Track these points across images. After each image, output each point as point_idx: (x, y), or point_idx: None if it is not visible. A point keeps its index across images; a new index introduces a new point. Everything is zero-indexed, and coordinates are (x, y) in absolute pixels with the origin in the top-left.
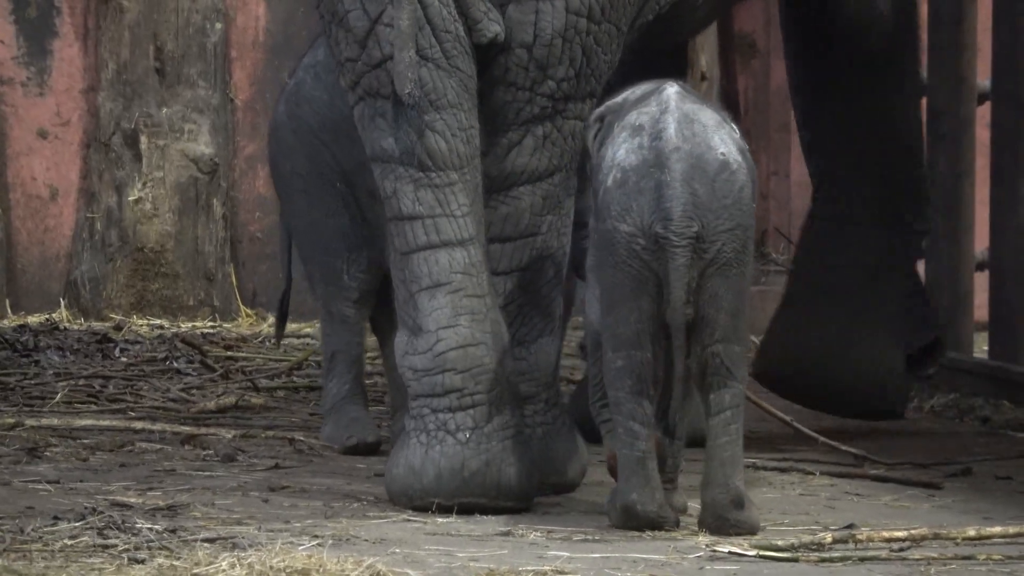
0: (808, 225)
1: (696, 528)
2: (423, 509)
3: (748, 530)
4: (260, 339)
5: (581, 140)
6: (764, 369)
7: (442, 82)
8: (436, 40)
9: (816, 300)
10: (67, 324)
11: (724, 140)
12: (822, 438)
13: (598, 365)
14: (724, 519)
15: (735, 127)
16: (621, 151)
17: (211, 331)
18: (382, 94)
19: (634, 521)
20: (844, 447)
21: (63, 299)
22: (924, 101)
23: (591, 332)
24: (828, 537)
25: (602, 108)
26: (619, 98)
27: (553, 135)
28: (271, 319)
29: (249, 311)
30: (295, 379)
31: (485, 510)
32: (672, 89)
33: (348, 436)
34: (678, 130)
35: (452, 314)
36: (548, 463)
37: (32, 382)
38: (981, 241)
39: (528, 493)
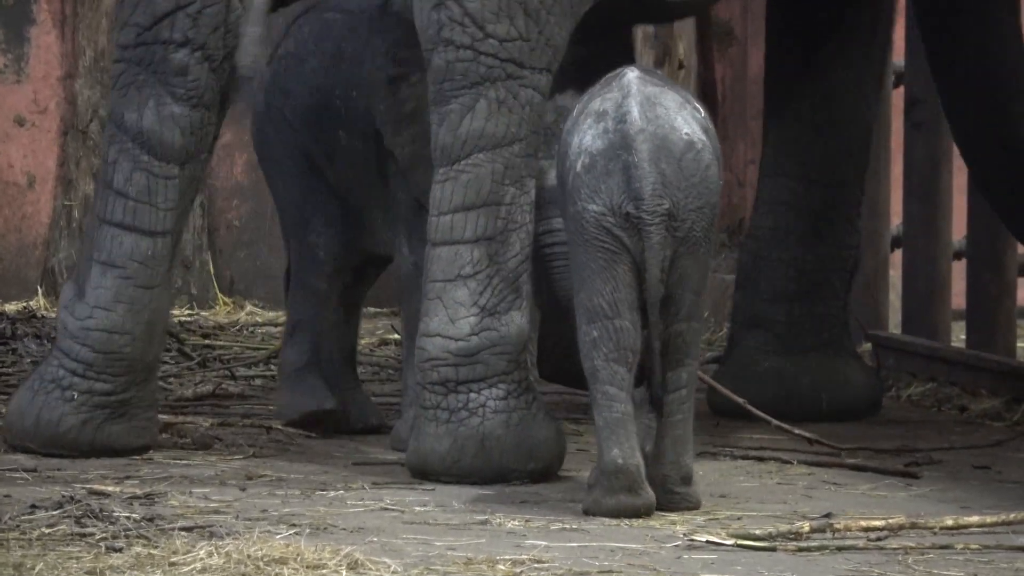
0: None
1: (676, 517)
2: (23, 451)
3: (692, 505)
4: (237, 327)
5: (538, 114)
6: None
7: (207, 83)
8: (224, 44)
9: (758, 325)
10: (45, 312)
11: (687, 120)
12: (775, 421)
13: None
14: (673, 493)
15: (699, 107)
16: (587, 137)
17: (188, 319)
18: (150, 70)
19: (616, 480)
20: (796, 430)
21: (40, 287)
22: (901, 89)
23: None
24: (806, 526)
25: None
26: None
27: (508, 101)
28: (248, 307)
29: (227, 299)
30: (273, 367)
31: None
32: (633, 74)
33: (304, 404)
34: (641, 113)
35: (113, 298)
36: (523, 451)
37: (10, 370)
38: (959, 230)
39: (130, 448)
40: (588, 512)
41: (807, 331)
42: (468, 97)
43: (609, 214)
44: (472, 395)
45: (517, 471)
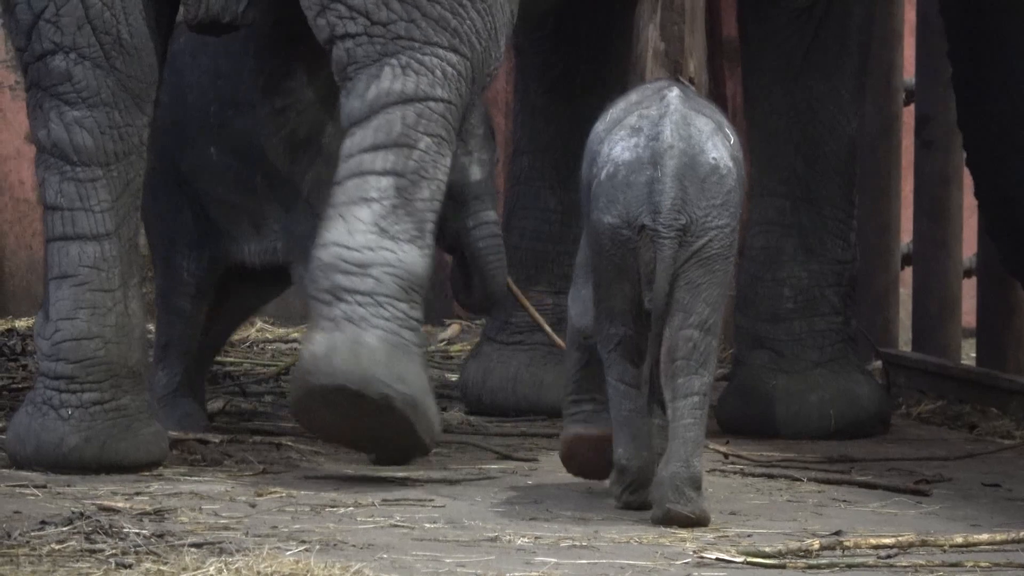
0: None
1: (686, 534)
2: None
3: (699, 515)
4: (247, 344)
5: (456, 89)
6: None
7: (97, 81)
8: (96, 40)
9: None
10: None
11: (717, 146)
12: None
13: (573, 361)
14: (681, 493)
15: (731, 134)
16: (617, 148)
17: None
18: (41, 86)
19: (622, 477)
20: (711, 444)
21: None
22: (912, 107)
23: (571, 329)
24: (815, 544)
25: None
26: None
27: (413, 64)
28: (259, 324)
29: None
30: (282, 384)
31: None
32: (674, 93)
33: (179, 429)
34: (674, 131)
35: (72, 307)
36: (395, 371)
37: (20, 386)
38: (969, 247)
39: (141, 464)
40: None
41: (810, 348)
42: (374, 68)
43: (624, 227)
44: (357, 307)
45: (384, 384)
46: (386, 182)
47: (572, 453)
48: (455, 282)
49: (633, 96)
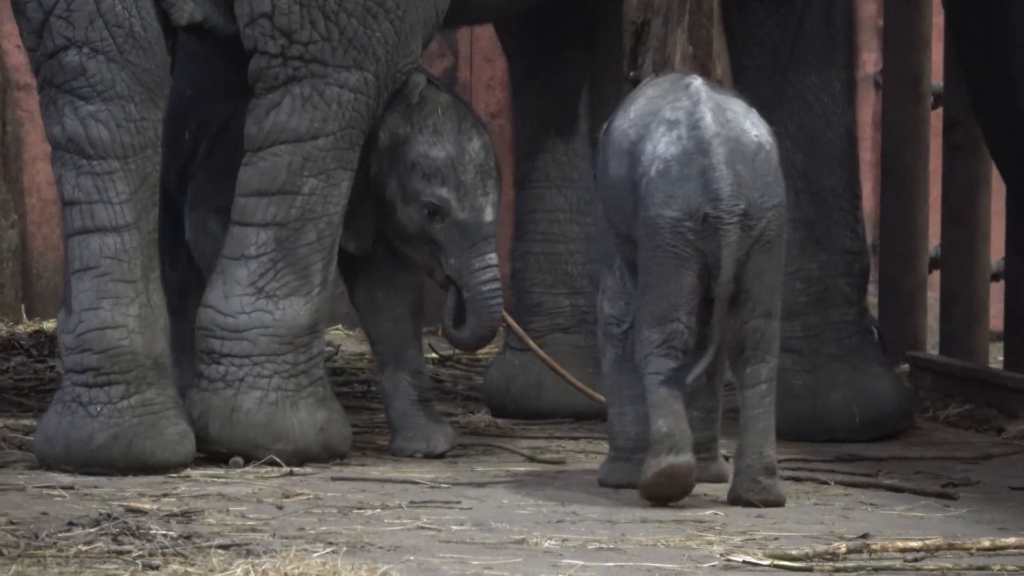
0: None
1: (713, 537)
2: (61, 468)
3: (776, 500)
4: None
5: (352, 111)
6: None
7: (112, 74)
8: (108, 34)
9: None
10: None
11: (755, 123)
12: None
13: (609, 362)
14: (757, 483)
15: (756, 112)
16: (661, 143)
17: None
18: (55, 83)
19: (664, 443)
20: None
21: None
22: (940, 111)
23: (603, 323)
24: (842, 547)
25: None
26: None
27: (313, 98)
28: None
29: None
30: None
31: (121, 474)
32: (698, 82)
33: None
34: (715, 118)
35: (95, 297)
36: (273, 431)
37: (48, 388)
38: (996, 251)
39: (168, 464)
40: (642, 488)
41: (828, 341)
42: (276, 95)
43: (686, 219)
44: (232, 368)
45: (263, 448)
46: (265, 236)
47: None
48: (447, 316)
49: (650, 91)
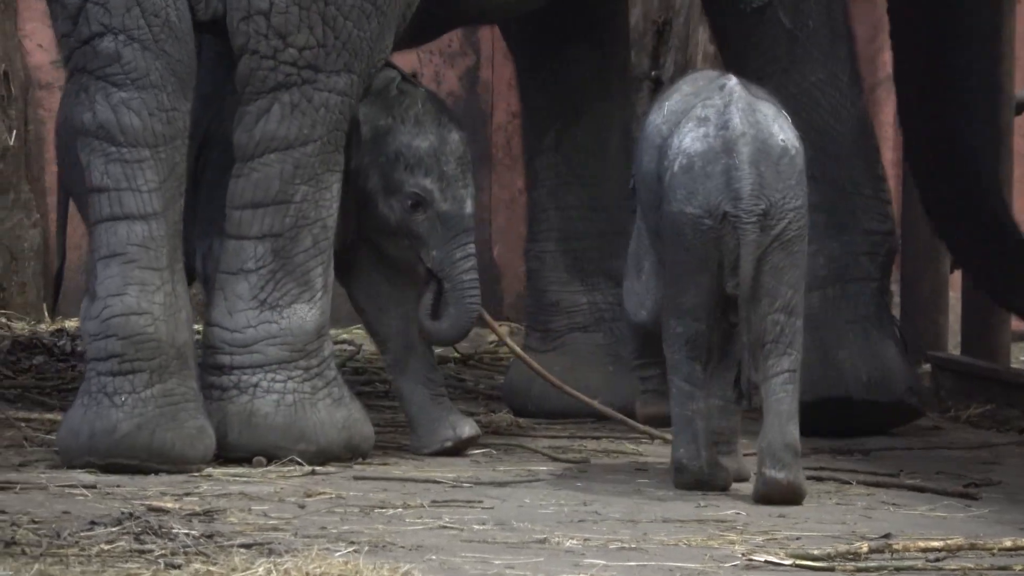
0: None
1: (735, 537)
2: (84, 467)
3: (793, 482)
4: None
5: (337, 113)
6: None
7: (146, 63)
8: (145, 22)
9: None
10: None
11: (783, 127)
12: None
13: (632, 331)
14: (777, 459)
15: (787, 116)
16: (687, 139)
17: None
18: (87, 69)
19: (682, 476)
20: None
21: None
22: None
23: (629, 322)
24: (864, 547)
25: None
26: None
27: (302, 104)
28: None
29: None
30: None
31: (143, 469)
32: (733, 82)
33: None
34: (743, 118)
35: (121, 283)
36: (294, 432)
37: (70, 387)
38: None
39: (187, 457)
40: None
41: (843, 308)
42: (264, 101)
43: (706, 216)
44: (245, 376)
45: (284, 450)
46: (262, 248)
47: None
48: (423, 311)
49: (686, 87)
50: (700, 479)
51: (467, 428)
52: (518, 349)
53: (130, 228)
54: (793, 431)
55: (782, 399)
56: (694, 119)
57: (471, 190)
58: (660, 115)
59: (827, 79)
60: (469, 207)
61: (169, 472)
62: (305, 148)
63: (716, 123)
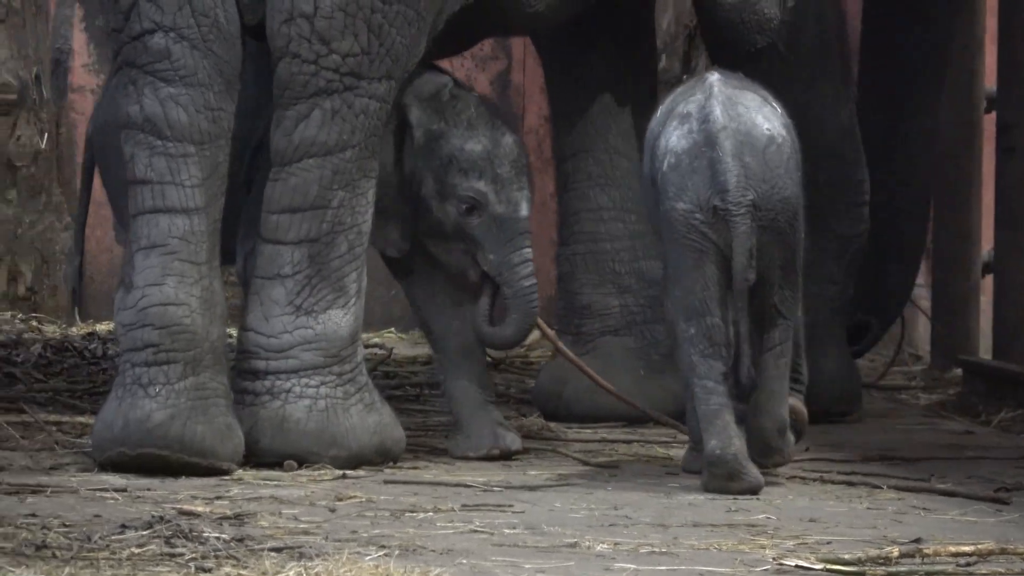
0: None
1: (766, 541)
2: (117, 462)
3: (785, 457)
4: None
5: (376, 119)
6: None
7: (195, 61)
8: (195, 22)
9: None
10: None
11: (768, 117)
12: (667, 418)
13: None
14: (768, 446)
15: (777, 106)
16: (673, 138)
17: None
18: (137, 64)
19: (716, 470)
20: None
21: None
22: (993, 115)
23: (669, 319)
24: (895, 551)
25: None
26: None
27: (343, 110)
28: None
29: None
30: None
31: (172, 464)
32: (714, 77)
33: None
34: (724, 111)
35: (161, 274)
36: (326, 437)
37: (101, 390)
38: None
39: (217, 453)
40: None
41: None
42: (304, 106)
43: (697, 210)
44: (278, 382)
45: (316, 455)
46: (299, 253)
47: None
48: (480, 316)
49: (679, 88)
50: (734, 470)
51: (512, 441)
52: (571, 353)
53: (171, 221)
54: (783, 413)
55: (773, 378)
56: (677, 117)
57: (526, 193)
58: (654, 118)
59: (814, 96)
60: (524, 210)
61: (198, 467)
62: (344, 154)
63: (698, 118)
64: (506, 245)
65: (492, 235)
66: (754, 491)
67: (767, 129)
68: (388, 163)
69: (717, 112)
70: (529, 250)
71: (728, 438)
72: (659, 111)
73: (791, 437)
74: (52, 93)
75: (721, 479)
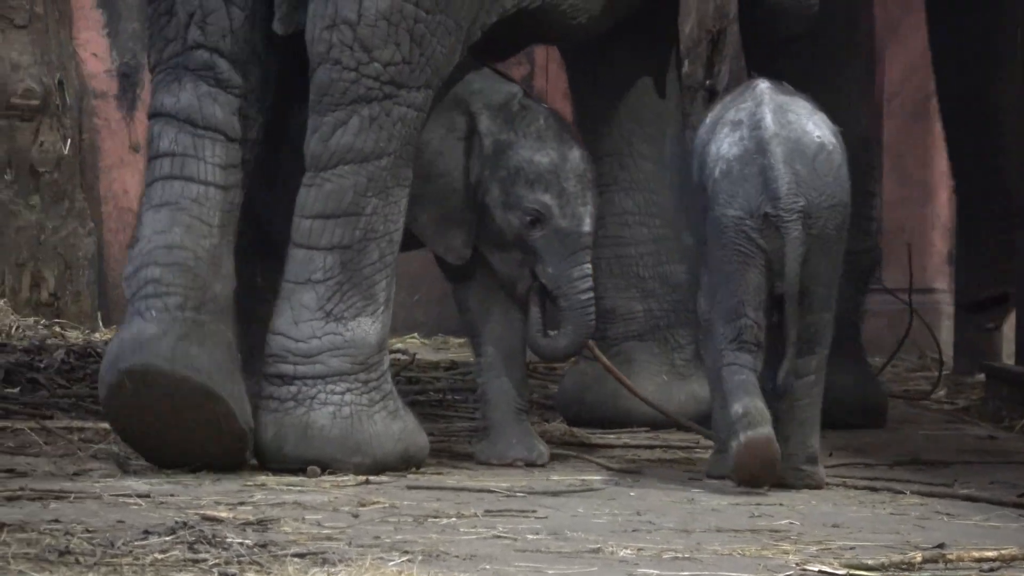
0: None
1: (789, 547)
2: (115, 387)
3: (816, 484)
4: None
5: (412, 128)
6: None
7: (236, 75)
8: (236, 46)
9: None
10: None
11: (818, 124)
12: (692, 423)
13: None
14: (799, 471)
15: (825, 115)
16: (724, 145)
17: None
18: (184, 65)
19: (743, 420)
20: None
21: None
22: None
23: (702, 318)
24: (918, 556)
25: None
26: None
27: (381, 118)
28: None
29: None
30: None
31: (169, 378)
32: (764, 84)
33: None
34: (775, 118)
35: (169, 223)
36: (350, 444)
37: None
38: None
39: (212, 377)
40: (732, 472)
41: None
42: (343, 112)
43: (748, 217)
44: (304, 388)
45: (340, 462)
46: (331, 259)
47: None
48: (534, 327)
49: (727, 97)
50: (759, 415)
51: (539, 454)
52: (616, 370)
53: (186, 186)
54: (814, 442)
55: (805, 406)
56: (728, 124)
57: (590, 208)
58: (704, 126)
59: (836, 99)
60: (588, 225)
61: (193, 384)
62: (379, 161)
63: (749, 124)
64: (567, 259)
65: (553, 248)
66: (772, 446)
67: (817, 136)
68: (456, 170)
69: (768, 119)
70: (589, 265)
71: (752, 399)
72: (708, 118)
73: (820, 466)
74: (122, 105)
75: (744, 430)
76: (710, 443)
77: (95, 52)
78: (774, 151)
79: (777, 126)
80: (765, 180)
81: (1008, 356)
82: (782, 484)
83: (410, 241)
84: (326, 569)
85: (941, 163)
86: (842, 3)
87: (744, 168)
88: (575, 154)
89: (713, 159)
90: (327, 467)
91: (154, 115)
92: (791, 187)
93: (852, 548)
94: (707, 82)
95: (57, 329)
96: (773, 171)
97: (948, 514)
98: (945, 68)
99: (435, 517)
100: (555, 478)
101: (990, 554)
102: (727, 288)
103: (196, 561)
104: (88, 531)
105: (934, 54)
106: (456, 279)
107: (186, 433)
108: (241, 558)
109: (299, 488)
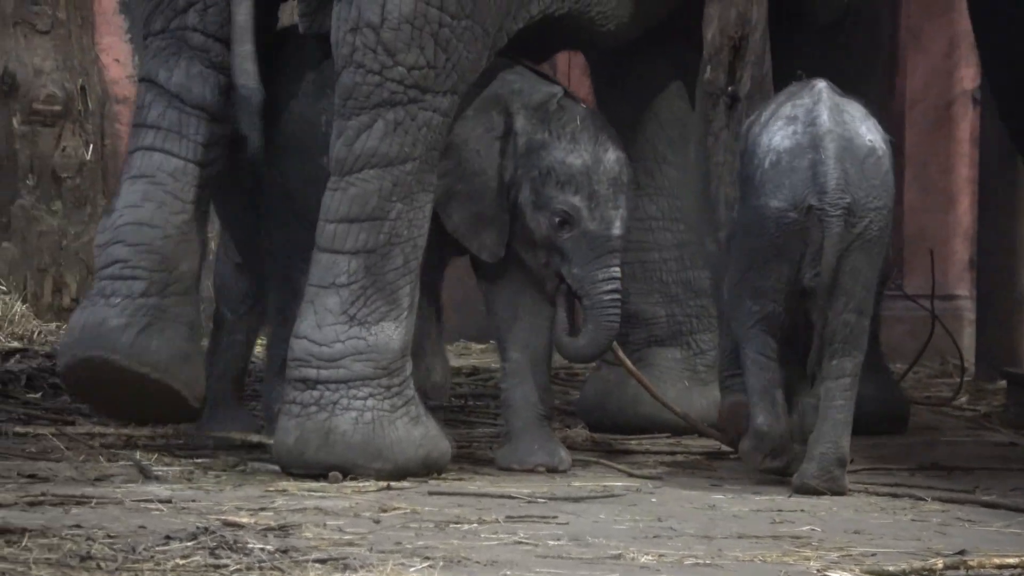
0: None
1: (810, 553)
2: (72, 367)
3: (839, 490)
4: None
5: (438, 133)
6: None
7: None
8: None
9: None
10: None
11: (871, 128)
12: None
13: (726, 339)
14: (828, 473)
15: (876, 119)
16: (776, 137)
17: None
18: (181, 43)
19: (760, 443)
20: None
21: None
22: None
23: (724, 310)
24: (939, 563)
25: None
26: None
27: (406, 123)
28: None
29: None
30: None
31: (126, 373)
32: (822, 84)
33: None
34: (830, 116)
35: (141, 198)
36: (371, 449)
37: None
38: None
39: (170, 372)
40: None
41: None
42: (367, 116)
43: (791, 209)
44: (327, 392)
45: (361, 467)
46: (355, 263)
47: (730, 419)
48: (560, 325)
49: (781, 96)
50: (779, 448)
51: (560, 461)
52: (641, 375)
53: (165, 159)
54: (845, 445)
55: (840, 407)
56: (783, 118)
57: (622, 211)
58: (758, 122)
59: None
60: (618, 228)
61: (148, 380)
62: (404, 166)
63: (804, 120)
64: (593, 262)
65: (580, 250)
66: (790, 472)
67: (869, 140)
68: (491, 169)
69: (824, 116)
70: (617, 269)
71: (776, 416)
72: (762, 114)
73: (845, 477)
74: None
75: (763, 452)
76: (731, 449)
77: (117, 58)
78: (827, 147)
79: (832, 123)
80: (814, 174)
81: None
82: (805, 489)
83: (450, 247)
84: (347, 575)
85: (963, 170)
86: (866, 7)
87: (794, 160)
88: (610, 156)
89: (764, 150)
90: (349, 472)
91: (146, 81)
92: (839, 183)
93: (873, 554)
94: (729, 88)
95: None
96: (823, 165)
97: (969, 520)
98: (995, 58)
99: (456, 523)
100: (576, 484)
101: (1012, 560)
102: (759, 271)
103: (217, 567)
104: (109, 536)
105: (981, 46)
106: (488, 281)
107: (139, 407)
108: (262, 564)
109: (320, 493)
